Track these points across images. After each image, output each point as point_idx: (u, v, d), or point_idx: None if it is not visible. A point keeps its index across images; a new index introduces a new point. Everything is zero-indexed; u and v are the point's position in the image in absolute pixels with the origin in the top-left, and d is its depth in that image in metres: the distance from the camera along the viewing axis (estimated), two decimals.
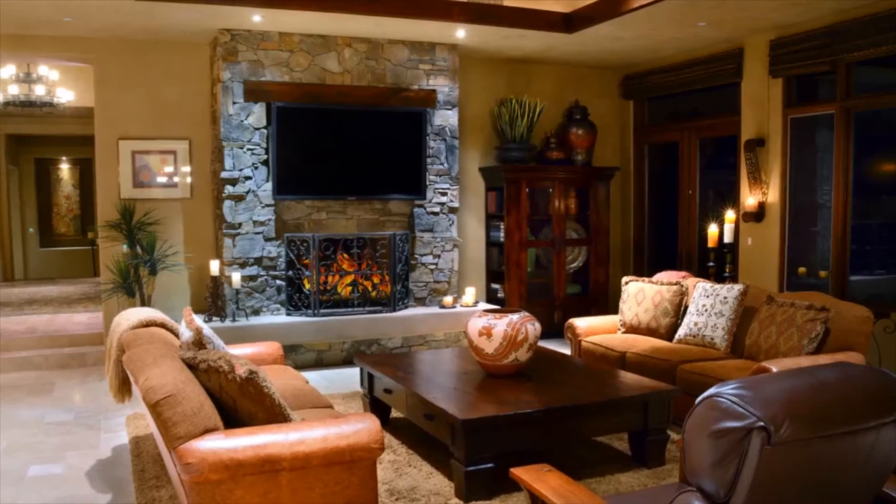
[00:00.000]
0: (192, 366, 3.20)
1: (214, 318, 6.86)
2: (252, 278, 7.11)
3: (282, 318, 7.06)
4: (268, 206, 7.12)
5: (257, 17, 6.49)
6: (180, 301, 7.31)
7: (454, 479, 3.97)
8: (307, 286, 7.20)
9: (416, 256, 7.68)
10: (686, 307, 5.85)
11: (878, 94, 6.30)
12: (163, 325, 4.32)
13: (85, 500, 4.03)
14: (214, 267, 6.92)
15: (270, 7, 6.21)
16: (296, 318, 7.06)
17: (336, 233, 7.36)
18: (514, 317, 4.53)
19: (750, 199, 7.08)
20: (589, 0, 6.69)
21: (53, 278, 13.67)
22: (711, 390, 1.97)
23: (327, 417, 3.31)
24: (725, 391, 1.93)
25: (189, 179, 7.42)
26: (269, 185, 7.09)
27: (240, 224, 7.05)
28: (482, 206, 8.45)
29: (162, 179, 7.35)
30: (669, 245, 8.48)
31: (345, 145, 7.30)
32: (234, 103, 6.94)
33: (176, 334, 4.24)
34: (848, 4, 5.99)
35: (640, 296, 6.09)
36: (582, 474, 4.18)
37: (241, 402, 3.05)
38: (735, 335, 5.37)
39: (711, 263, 6.60)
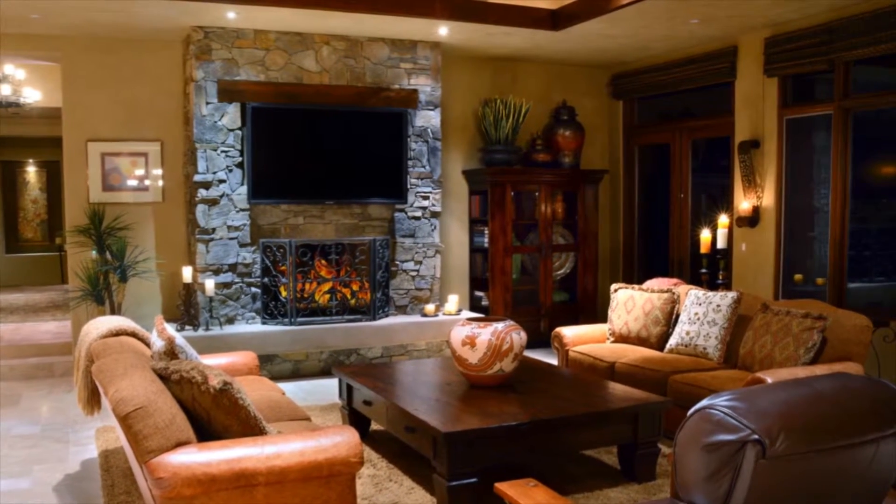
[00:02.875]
0: (163, 377, 3.20)
1: (187, 327, 6.76)
2: (226, 285, 7.00)
3: (257, 327, 6.96)
4: (243, 210, 7.01)
5: (231, 14, 6.41)
6: (151, 309, 7.22)
7: (436, 494, 3.94)
8: (283, 294, 7.10)
9: (397, 263, 7.57)
10: (677, 315, 5.81)
11: (878, 93, 6.26)
12: (133, 335, 4.31)
13: None
14: (187, 274, 6.82)
15: (245, 3, 6.13)
16: (272, 327, 6.93)
17: (313, 238, 7.27)
18: (499, 325, 4.49)
19: (744, 203, 7.02)
20: None
21: (20, 285, 13.53)
22: (704, 402, 1.95)
23: (304, 430, 3.31)
24: (718, 403, 1.91)
25: (161, 183, 7.32)
26: (243, 189, 7.00)
27: (213, 229, 6.93)
28: (465, 210, 8.36)
29: (132, 183, 7.25)
30: (660, 251, 8.42)
31: (323, 147, 7.25)
32: (207, 103, 6.84)
33: (147, 344, 4.24)
34: (846, 1, 5.94)
35: (630, 304, 6.04)
36: (569, 489, 4.15)
37: (214, 415, 3.03)
38: (728, 345, 5.33)
39: (704, 270, 6.61)
